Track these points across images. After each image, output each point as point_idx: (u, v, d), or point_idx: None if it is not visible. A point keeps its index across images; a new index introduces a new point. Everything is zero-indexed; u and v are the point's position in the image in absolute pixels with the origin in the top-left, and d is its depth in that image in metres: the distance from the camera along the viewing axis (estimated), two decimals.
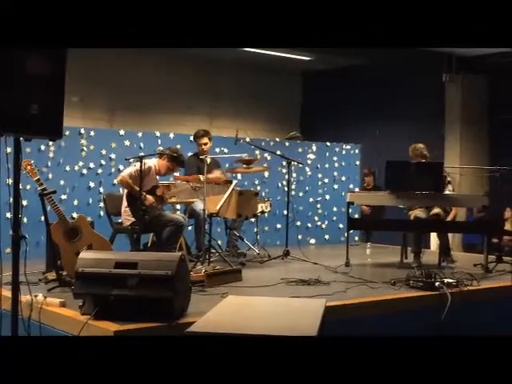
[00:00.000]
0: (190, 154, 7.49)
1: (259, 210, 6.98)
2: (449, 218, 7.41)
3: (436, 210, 6.80)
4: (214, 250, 6.29)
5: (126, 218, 6.20)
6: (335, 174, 9.51)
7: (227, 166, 7.61)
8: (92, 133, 7.56)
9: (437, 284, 4.93)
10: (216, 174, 6.89)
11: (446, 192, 6.63)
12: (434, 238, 9.06)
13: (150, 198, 6.06)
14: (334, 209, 9.40)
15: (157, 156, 6.43)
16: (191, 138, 8.21)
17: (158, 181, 6.40)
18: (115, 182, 6.37)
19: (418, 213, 6.82)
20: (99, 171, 7.54)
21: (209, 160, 7.03)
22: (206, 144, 7.12)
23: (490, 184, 9.86)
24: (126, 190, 6.23)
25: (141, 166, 5.75)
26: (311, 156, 9.30)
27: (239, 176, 8.20)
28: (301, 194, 9.13)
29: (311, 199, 9.27)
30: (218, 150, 8.13)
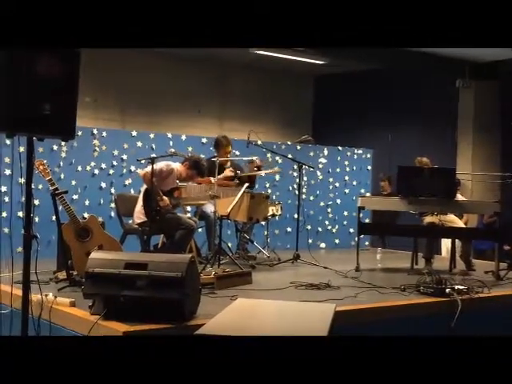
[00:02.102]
0: (202, 156, 7.50)
1: (270, 213, 6.98)
2: (461, 225, 7.38)
3: (431, 218, 6.78)
4: (224, 253, 6.29)
5: (139, 216, 6.18)
6: (346, 178, 9.50)
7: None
8: (104, 133, 7.58)
9: (447, 290, 4.90)
10: (225, 172, 6.88)
11: (459, 197, 6.61)
12: (445, 243, 9.02)
13: (165, 199, 6.05)
14: (345, 213, 9.38)
15: (168, 158, 6.42)
16: (203, 141, 8.24)
17: (178, 185, 6.38)
18: (140, 175, 6.35)
19: (431, 218, 6.80)
20: (111, 172, 7.56)
21: (228, 164, 7.06)
22: (229, 152, 7.10)
23: (502, 191, 9.81)
24: (143, 189, 6.20)
25: (152, 168, 5.76)
26: (323, 160, 9.29)
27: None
28: (312, 198, 9.12)
29: (322, 203, 9.26)
30: (231, 151, 8.12)
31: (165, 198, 6.05)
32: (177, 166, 6.32)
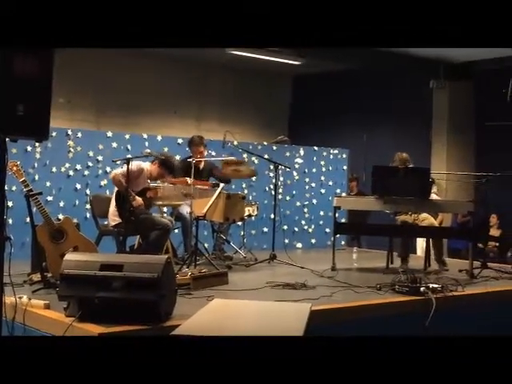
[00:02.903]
0: (178, 157, 7.49)
1: (246, 213, 6.99)
2: (436, 224, 7.45)
3: (405, 217, 6.84)
4: (200, 253, 6.28)
5: (113, 218, 6.17)
6: (322, 178, 9.53)
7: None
8: (79, 134, 7.53)
9: (422, 289, 4.95)
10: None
11: (433, 196, 6.67)
12: (419, 242, 9.11)
13: (138, 199, 6.04)
14: (321, 213, 9.42)
15: (144, 159, 6.41)
16: (179, 141, 8.22)
17: (149, 183, 6.38)
18: (110, 177, 6.34)
19: (405, 217, 6.86)
20: (86, 173, 7.51)
21: (202, 164, 7.05)
22: (201, 152, 7.09)
23: (476, 190, 9.93)
24: (115, 190, 6.20)
25: (127, 168, 5.74)
26: (299, 160, 9.32)
27: None
28: (288, 198, 9.14)
29: (298, 203, 9.28)
30: (205, 153, 8.11)
31: (137, 198, 6.03)
32: (147, 165, 6.30)
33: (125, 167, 6.06)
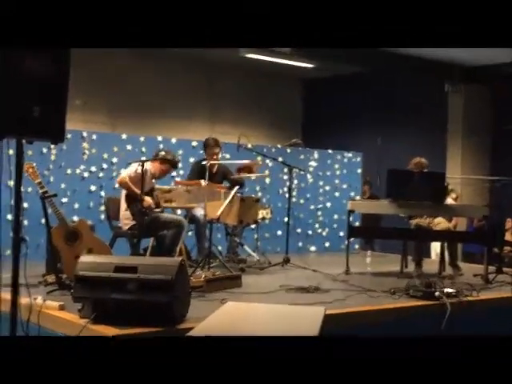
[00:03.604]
0: (192, 159, 7.51)
1: (260, 216, 6.97)
2: (447, 225, 7.41)
3: (419, 221, 6.80)
4: (214, 256, 6.28)
5: (125, 221, 6.20)
6: (336, 181, 9.51)
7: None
8: (94, 136, 7.57)
9: (436, 294, 4.92)
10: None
11: (449, 200, 6.63)
12: (434, 246, 9.06)
13: (148, 199, 6.03)
14: (335, 216, 9.39)
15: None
16: (193, 144, 8.24)
17: (155, 184, 6.37)
18: (116, 182, 6.38)
19: (419, 221, 6.83)
20: (100, 175, 7.54)
21: (216, 167, 7.04)
22: (216, 154, 7.07)
23: (491, 194, 9.87)
24: (123, 193, 6.22)
25: (142, 170, 5.75)
26: (313, 163, 9.30)
27: None
28: (302, 201, 9.13)
29: (312, 206, 9.27)
30: (219, 153, 8.12)
31: (147, 198, 6.02)
32: (148, 165, 6.30)
33: (128, 170, 6.10)
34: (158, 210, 6.22)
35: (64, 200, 7.19)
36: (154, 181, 6.36)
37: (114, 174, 7.60)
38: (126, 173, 6.13)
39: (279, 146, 9.43)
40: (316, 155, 9.37)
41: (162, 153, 6.39)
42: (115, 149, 7.65)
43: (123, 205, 6.22)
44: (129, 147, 7.75)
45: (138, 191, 5.85)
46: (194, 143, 8.27)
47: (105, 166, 7.58)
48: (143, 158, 6.19)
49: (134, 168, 6.02)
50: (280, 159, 8.25)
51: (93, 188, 7.49)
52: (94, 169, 7.50)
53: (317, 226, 9.30)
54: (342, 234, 9.20)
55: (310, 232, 9.20)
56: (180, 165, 7.84)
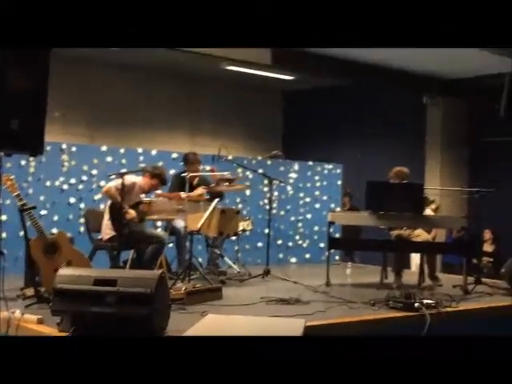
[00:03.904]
0: (172, 171, 7.50)
1: (240, 228, 6.98)
2: (429, 238, 7.46)
3: (399, 232, 6.84)
4: (194, 268, 6.26)
5: (106, 231, 6.17)
6: (317, 193, 9.54)
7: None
8: (73, 148, 7.53)
9: (416, 305, 4.94)
10: (197, 190, 6.88)
11: (428, 211, 6.68)
12: (414, 258, 9.11)
13: (131, 212, 6.03)
14: (315, 228, 9.42)
15: (140, 174, 6.43)
16: (173, 156, 8.23)
17: (142, 198, 6.38)
18: (102, 191, 6.37)
19: (399, 232, 6.87)
20: (80, 187, 7.50)
21: (196, 180, 7.03)
22: (198, 170, 7.06)
23: (469, 205, 9.96)
24: (108, 203, 6.20)
25: (122, 183, 5.74)
26: (293, 175, 9.33)
27: None
28: (282, 213, 9.14)
29: (292, 218, 9.29)
30: (200, 167, 8.12)
31: (130, 211, 6.02)
32: (139, 179, 6.31)
33: (117, 181, 6.07)
34: (140, 223, 6.21)
35: (43, 212, 7.14)
36: (142, 195, 6.35)
37: (94, 186, 7.57)
38: (113, 183, 6.11)
39: (259, 157, 9.45)
40: (296, 167, 9.40)
41: (149, 168, 6.40)
42: (95, 161, 7.62)
43: (106, 215, 6.19)
44: (109, 159, 7.72)
45: (122, 203, 5.86)
46: (175, 155, 8.26)
47: (84, 177, 7.54)
48: (123, 170, 6.17)
49: (121, 181, 6.03)
50: (260, 171, 8.27)
51: (72, 200, 7.45)
52: (73, 181, 7.46)
53: (297, 237, 9.32)
54: (322, 245, 9.22)
55: (290, 244, 9.21)
56: None
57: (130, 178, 6.16)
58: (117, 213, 5.96)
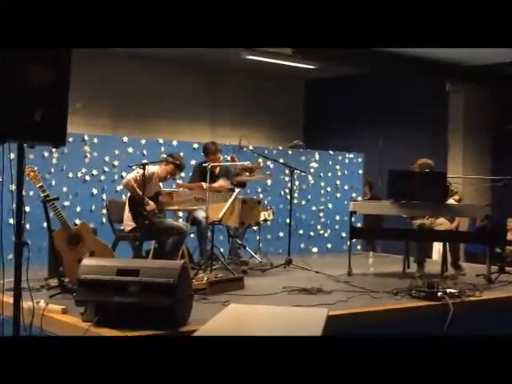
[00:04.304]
0: (193, 162, 7.51)
1: (262, 218, 6.97)
2: (452, 227, 7.41)
3: (421, 221, 6.79)
4: (216, 258, 6.28)
5: (128, 223, 6.21)
6: (338, 182, 9.51)
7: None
8: (95, 139, 7.57)
9: (439, 294, 4.92)
10: (220, 182, 6.89)
11: (451, 201, 6.62)
12: (436, 247, 9.05)
13: (151, 203, 6.06)
14: (337, 217, 9.39)
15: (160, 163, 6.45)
16: (194, 146, 8.24)
17: (161, 187, 6.40)
18: (122, 184, 6.41)
19: (421, 221, 6.82)
20: (102, 178, 7.54)
21: (218, 169, 7.04)
22: (219, 159, 7.08)
23: (493, 194, 9.85)
24: (128, 195, 6.24)
25: (143, 173, 5.77)
26: (314, 164, 9.30)
27: None
28: (303, 203, 9.12)
29: (314, 208, 9.26)
30: (221, 157, 8.12)
31: (150, 202, 6.04)
32: (156, 168, 6.32)
33: (134, 172, 6.11)
34: (160, 214, 6.24)
35: (66, 203, 7.19)
36: (160, 185, 6.36)
37: (116, 176, 7.61)
38: (131, 175, 6.14)
39: (280, 147, 9.43)
40: (317, 156, 9.37)
41: (169, 158, 6.42)
42: (116, 152, 7.65)
43: (127, 207, 6.23)
44: (130, 150, 7.75)
45: (141, 194, 5.88)
46: (195, 145, 8.27)
47: (106, 168, 7.58)
48: (144, 161, 6.18)
49: (140, 171, 6.05)
50: (281, 161, 8.25)
51: (94, 191, 7.49)
52: (95, 172, 7.51)
53: (319, 227, 9.30)
54: (343, 235, 9.20)
55: (311, 233, 9.19)
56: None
57: (148, 168, 6.18)
58: (136, 205, 5.99)
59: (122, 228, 6.35)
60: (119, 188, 7.58)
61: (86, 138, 7.51)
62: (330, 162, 9.48)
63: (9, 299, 3.63)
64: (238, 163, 7.15)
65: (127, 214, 6.22)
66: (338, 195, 9.47)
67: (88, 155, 7.46)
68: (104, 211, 7.14)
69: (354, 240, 7.07)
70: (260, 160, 8.35)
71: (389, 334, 3.96)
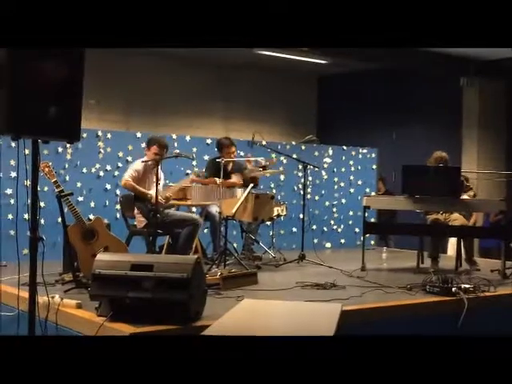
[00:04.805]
0: (207, 157, 7.52)
1: (275, 213, 6.98)
2: (470, 224, 7.36)
3: (435, 216, 6.75)
4: (229, 253, 6.29)
5: (139, 219, 6.24)
6: (351, 177, 9.48)
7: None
8: (109, 135, 7.60)
9: (453, 289, 4.90)
10: (234, 179, 6.90)
11: (465, 197, 6.59)
12: (450, 242, 9.01)
13: (153, 194, 5.95)
14: (350, 213, 9.37)
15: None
16: (208, 141, 8.25)
17: (161, 174, 6.27)
18: (121, 184, 6.42)
19: (436, 216, 6.79)
20: (116, 173, 7.57)
21: (231, 165, 7.05)
22: (233, 153, 7.07)
23: (508, 188, 9.79)
24: (133, 195, 6.25)
25: (157, 170, 5.77)
26: (327, 160, 9.28)
27: None
28: (317, 198, 9.11)
29: (327, 203, 9.25)
30: (234, 151, 8.12)
31: (153, 194, 5.95)
32: (143, 159, 6.29)
33: (128, 171, 6.19)
34: (168, 204, 6.25)
35: (80, 199, 7.23)
36: (162, 174, 6.25)
37: None
38: (127, 174, 6.16)
39: (294, 142, 9.42)
40: (331, 151, 9.35)
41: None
42: (130, 147, 7.68)
43: (135, 207, 6.26)
44: (143, 145, 7.75)
45: (143, 190, 5.92)
46: (209, 141, 8.28)
47: (120, 164, 7.61)
48: (143, 159, 6.25)
49: (133, 168, 6.16)
50: (294, 156, 8.24)
51: (108, 186, 7.53)
52: (109, 167, 7.54)
53: (332, 222, 9.29)
54: (357, 230, 9.18)
55: (325, 228, 9.18)
56: (194, 162, 7.90)
57: (136, 163, 6.22)
58: (140, 201, 6.04)
59: (135, 223, 6.38)
60: (121, 185, 7.59)
61: (100, 133, 7.54)
62: (344, 157, 9.46)
63: (24, 294, 3.65)
64: (251, 159, 7.15)
65: (137, 211, 6.24)
66: (352, 190, 9.45)
67: (102, 151, 7.49)
68: (118, 206, 7.17)
69: (367, 235, 7.04)
70: (273, 155, 8.35)
71: (401, 332, 3.97)
